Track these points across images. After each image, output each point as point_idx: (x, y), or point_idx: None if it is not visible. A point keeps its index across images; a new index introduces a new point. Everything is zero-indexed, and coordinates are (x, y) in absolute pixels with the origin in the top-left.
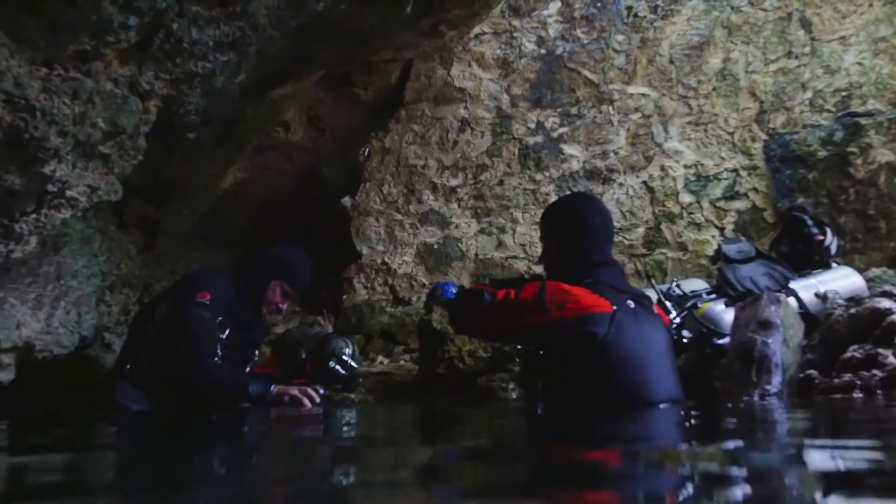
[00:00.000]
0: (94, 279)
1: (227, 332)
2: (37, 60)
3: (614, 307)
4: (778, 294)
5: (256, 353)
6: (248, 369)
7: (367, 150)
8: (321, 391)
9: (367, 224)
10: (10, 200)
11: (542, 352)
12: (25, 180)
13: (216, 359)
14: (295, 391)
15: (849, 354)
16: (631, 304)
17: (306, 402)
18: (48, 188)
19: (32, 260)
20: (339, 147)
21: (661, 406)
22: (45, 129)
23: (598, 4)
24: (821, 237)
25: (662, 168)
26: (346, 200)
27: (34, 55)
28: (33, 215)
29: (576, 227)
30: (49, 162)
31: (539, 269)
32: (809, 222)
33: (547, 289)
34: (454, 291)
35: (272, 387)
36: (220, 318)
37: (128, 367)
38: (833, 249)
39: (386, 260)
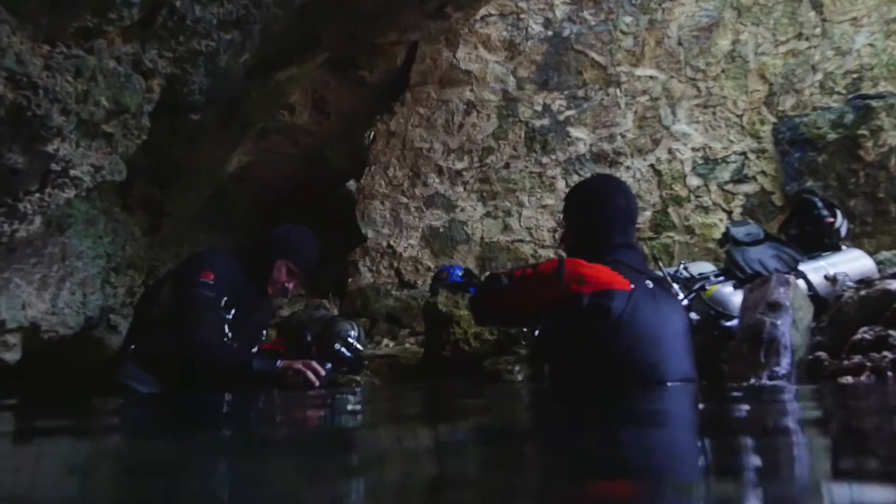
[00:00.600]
0: (99, 260)
1: (232, 312)
2: (39, 37)
3: (632, 286)
4: (787, 276)
5: (263, 334)
6: (253, 350)
7: (373, 133)
8: (328, 365)
9: (373, 207)
10: (13, 179)
11: (556, 330)
12: (28, 159)
13: (225, 339)
14: (299, 364)
15: (859, 336)
16: (649, 284)
17: (311, 375)
18: (51, 167)
19: (37, 241)
20: (344, 130)
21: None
22: (47, 106)
23: None
24: (831, 219)
25: (670, 151)
26: (352, 184)
27: (36, 32)
28: (37, 195)
29: (599, 208)
30: (52, 140)
31: (545, 253)
32: (819, 204)
33: (565, 264)
34: (460, 274)
35: (278, 362)
36: (226, 299)
37: (133, 347)
38: (843, 232)
39: (391, 243)
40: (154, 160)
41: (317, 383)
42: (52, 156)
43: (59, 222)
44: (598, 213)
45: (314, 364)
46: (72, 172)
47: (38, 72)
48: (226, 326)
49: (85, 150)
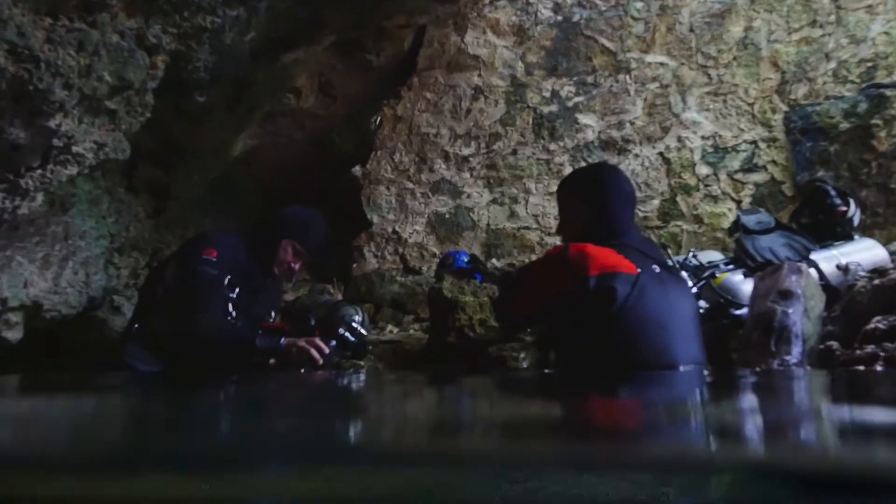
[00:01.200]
0: (102, 241)
1: (236, 291)
2: (41, 10)
3: (639, 270)
4: (799, 264)
5: (272, 315)
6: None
7: (379, 117)
8: (332, 343)
9: (378, 193)
10: (14, 155)
11: (562, 315)
12: (30, 134)
13: (229, 318)
14: (303, 342)
15: (872, 326)
16: (656, 268)
17: (315, 353)
18: (54, 143)
19: (40, 219)
20: (351, 115)
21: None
22: (49, 80)
23: None
24: (844, 208)
25: (679, 139)
26: (357, 169)
27: (38, 4)
28: (39, 171)
29: (606, 192)
30: (54, 115)
31: (551, 240)
32: (832, 193)
33: (570, 248)
34: (465, 260)
35: (282, 339)
36: (229, 277)
37: (136, 327)
38: (856, 221)
39: (396, 229)
40: (159, 142)
41: (321, 361)
42: (54, 131)
43: (62, 201)
44: (605, 197)
45: (318, 342)
46: (74, 149)
47: (39, 45)
48: (230, 305)
49: (88, 126)
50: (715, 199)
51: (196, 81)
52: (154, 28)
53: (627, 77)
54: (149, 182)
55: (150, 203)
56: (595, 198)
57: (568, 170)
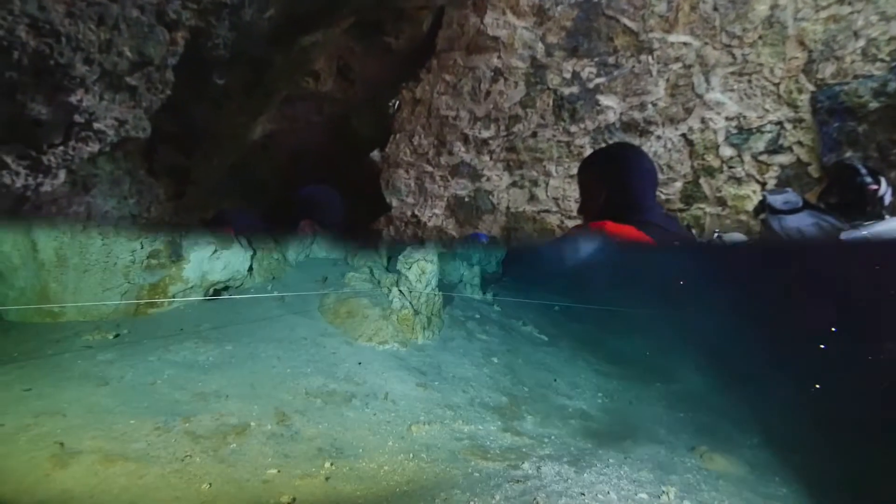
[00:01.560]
0: (123, 222)
1: None
2: None
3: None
4: None
5: None
6: None
7: (398, 101)
8: None
9: (397, 176)
10: (37, 131)
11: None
12: (52, 110)
13: None
14: None
15: None
16: (677, 244)
17: None
18: (75, 119)
19: (62, 199)
20: (369, 98)
21: None
22: (70, 55)
23: None
24: (874, 186)
25: (703, 120)
26: (376, 153)
27: None
28: (61, 148)
29: (629, 171)
30: (76, 91)
31: (571, 224)
32: (863, 171)
33: (589, 226)
34: (485, 243)
35: None
36: None
37: None
38: (886, 200)
39: (416, 212)
40: (179, 126)
41: None
42: (75, 107)
43: (84, 181)
44: (625, 175)
45: None
46: (95, 125)
47: (60, 19)
48: None
49: (109, 102)
50: (739, 181)
51: (215, 59)
52: (174, 3)
53: (650, 57)
54: (169, 166)
55: (170, 186)
56: (615, 176)
57: (588, 152)
